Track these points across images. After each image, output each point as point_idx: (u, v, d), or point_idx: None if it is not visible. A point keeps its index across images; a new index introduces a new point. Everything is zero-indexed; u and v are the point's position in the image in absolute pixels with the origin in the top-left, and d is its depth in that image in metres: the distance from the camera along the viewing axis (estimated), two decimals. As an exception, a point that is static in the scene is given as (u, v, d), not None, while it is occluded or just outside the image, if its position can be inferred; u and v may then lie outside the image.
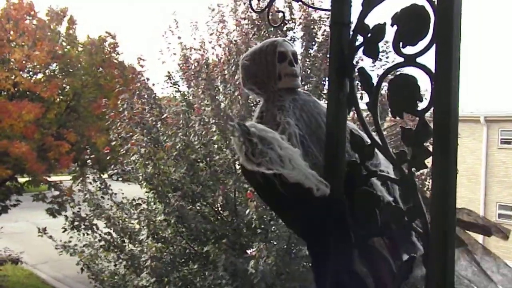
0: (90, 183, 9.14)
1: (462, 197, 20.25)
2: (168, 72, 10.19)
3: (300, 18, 9.04)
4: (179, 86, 10.25)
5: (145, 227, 7.92)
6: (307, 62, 8.80)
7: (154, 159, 7.93)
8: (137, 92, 9.26)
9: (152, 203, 8.30)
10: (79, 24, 16.55)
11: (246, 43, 8.16)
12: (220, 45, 9.36)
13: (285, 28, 9.07)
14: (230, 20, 9.54)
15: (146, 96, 8.98)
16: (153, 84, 9.64)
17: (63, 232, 9.06)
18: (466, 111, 21.61)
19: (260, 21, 8.47)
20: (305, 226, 2.06)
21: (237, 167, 7.15)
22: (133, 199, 8.70)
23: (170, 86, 10.30)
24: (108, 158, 9.75)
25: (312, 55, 8.89)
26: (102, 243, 8.58)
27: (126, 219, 8.59)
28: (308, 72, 8.65)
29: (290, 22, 9.16)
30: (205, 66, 8.89)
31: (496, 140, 21.20)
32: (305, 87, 8.32)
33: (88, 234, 8.86)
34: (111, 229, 8.46)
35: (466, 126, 20.70)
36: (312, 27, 8.84)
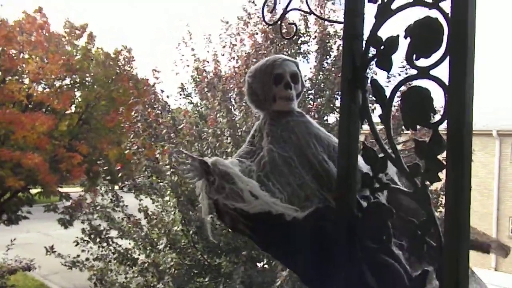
0: (102, 194, 9.15)
1: (475, 211, 20.00)
2: (182, 84, 10.23)
3: (315, 32, 9.04)
4: (192, 97, 10.30)
5: (163, 237, 7.90)
6: (321, 76, 8.80)
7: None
8: (150, 103, 9.31)
9: (170, 213, 8.25)
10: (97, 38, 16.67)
11: (260, 56, 8.19)
12: (234, 58, 9.39)
13: (299, 42, 9.07)
14: (244, 33, 9.57)
15: (160, 108, 9.03)
16: (167, 96, 9.70)
17: (76, 246, 9.02)
18: (478, 125, 21.44)
19: (274, 34, 8.49)
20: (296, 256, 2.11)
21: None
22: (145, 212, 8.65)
23: (182, 98, 10.34)
24: (119, 175, 9.76)
25: (326, 68, 8.89)
26: (116, 255, 8.53)
27: (145, 229, 8.56)
28: (322, 86, 8.66)
29: (305, 35, 9.16)
30: (221, 78, 8.92)
31: (508, 154, 21.02)
32: (318, 100, 8.33)
33: (103, 247, 8.80)
34: (128, 240, 8.45)
35: (479, 140, 20.54)
36: (327, 41, 8.84)
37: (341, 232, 1.96)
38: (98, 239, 8.78)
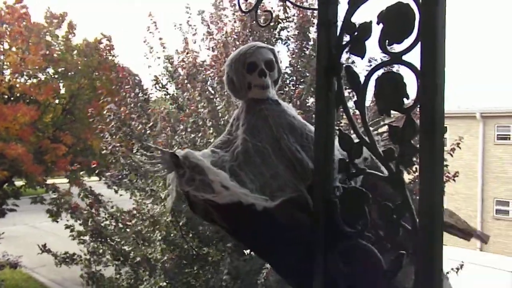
0: (81, 196, 8.96)
1: (459, 193, 20.27)
2: (155, 77, 10.15)
3: (293, 16, 9.00)
4: (167, 89, 10.21)
5: (156, 230, 7.87)
6: (302, 61, 8.78)
7: None
8: (126, 98, 9.22)
9: (159, 206, 8.19)
10: (78, 27, 16.46)
11: (239, 44, 8.13)
12: (211, 47, 9.31)
13: (279, 28, 9.04)
14: (220, 22, 9.49)
15: (132, 104, 8.96)
16: (141, 90, 9.63)
17: (73, 239, 8.85)
18: (462, 107, 21.61)
19: (252, 22, 8.43)
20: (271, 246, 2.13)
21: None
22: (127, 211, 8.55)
23: (158, 90, 10.26)
24: (96, 172, 9.65)
25: (306, 54, 8.87)
26: (109, 250, 8.37)
27: (121, 228, 8.44)
28: (303, 71, 8.65)
29: (284, 21, 9.12)
30: (198, 68, 8.83)
31: (492, 136, 21.22)
32: (300, 86, 8.31)
33: (100, 244, 8.59)
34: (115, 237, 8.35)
35: (463, 122, 20.72)
36: (306, 26, 8.81)
37: (318, 219, 1.98)
38: (100, 238, 8.58)
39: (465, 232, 2.36)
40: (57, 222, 9.76)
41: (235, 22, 8.98)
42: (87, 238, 8.65)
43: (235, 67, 2.35)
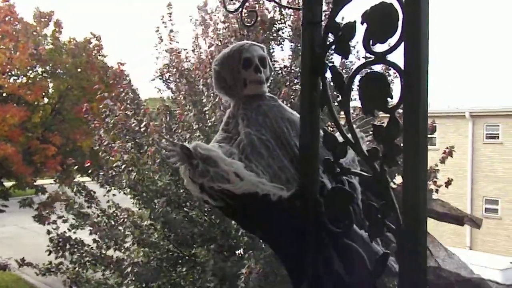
0: (74, 190, 8.94)
1: (449, 192, 20.20)
2: (159, 71, 10.10)
3: (289, 16, 8.95)
4: (160, 89, 10.19)
5: (130, 234, 7.83)
6: (297, 62, 8.74)
7: (138, 165, 7.86)
8: (121, 95, 9.18)
9: (137, 209, 8.20)
10: (66, 27, 16.37)
11: (226, 46, 8.09)
12: (197, 48, 9.26)
13: (274, 29, 8.99)
14: (208, 24, 9.43)
15: (128, 101, 8.91)
16: (136, 88, 9.59)
17: (48, 255, 8.75)
18: (451, 107, 21.73)
19: (238, 24, 8.38)
20: (275, 235, 2.14)
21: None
22: (118, 207, 8.52)
23: (154, 87, 10.24)
24: (90, 171, 9.59)
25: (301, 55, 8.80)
26: (88, 258, 8.28)
27: (113, 225, 8.41)
28: (298, 72, 8.61)
29: (278, 22, 9.09)
30: (186, 72, 8.76)
31: (481, 135, 21.36)
32: (297, 86, 8.27)
33: (74, 254, 8.48)
34: (96, 236, 8.30)
35: (452, 121, 20.84)
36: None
37: (306, 217, 1.99)
38: (67, 246, 8.53)
39: (458, 219, 2.38)
40: (45, 224, 9.68)
41: (224, 23, 8.92)
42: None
43: (228, 64, 2.32)
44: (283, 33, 9.20)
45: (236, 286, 6.57)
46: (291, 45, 8.94)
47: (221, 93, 2.46)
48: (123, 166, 7.86)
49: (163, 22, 9.77)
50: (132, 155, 7.88)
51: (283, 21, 9.13)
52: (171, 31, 9.71)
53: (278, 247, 2.30)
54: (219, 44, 8.38)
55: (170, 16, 9.68)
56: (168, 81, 10.01)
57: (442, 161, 8.43)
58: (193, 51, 9.39)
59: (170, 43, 9.65)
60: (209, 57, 8.25)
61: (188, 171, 2.06)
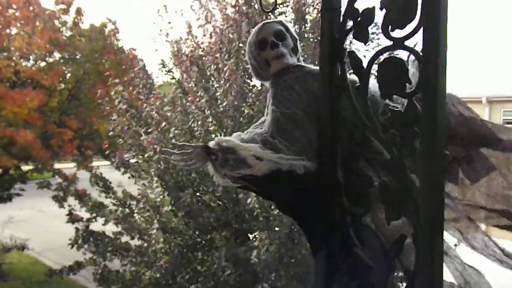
0: (92, 181, 9.02)
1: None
2: (162, 60, 10.14)
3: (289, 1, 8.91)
4: (173, 73, 10.20)
5: (150, 220, 7.89)
6: (302, 44, 8.68)
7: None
8: (134, 80, 9.21)
9: (161, 196, 8.20)
10: (86, 14, 16.36)
11: (237, 31, 8.06)
12: (209, 34, 9.24)
13: (277, 13, 8.94)
14: (215, 8, 9.37)
15: (141, 86, 8.94)
16: (151, 73, 9.61)
17: (71, 248, 8.77)
18: (468, 92, 21.51)
19: (249, 8, 8.30)
20: (301, 210, 2.15)
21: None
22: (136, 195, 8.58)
23: (165, 74, 10.26)
24: (107, 153, 9.67)
25: (305, 38, 8.74)
26: (110, 248, 8.35)
27: (128, 213, 8.48)
28: (303, 54, 8.55)
29: (281, 6, 9.05)
30: (197, 58, 8.73)
31: (498, 121, 21.12)
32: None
33: (97, 245, 8.53)
34: (119, 227, 8.40)
35: (468, 107, 20.61)
36: (303, 8, 8.64)
37: (324, 198, 2.02)
38: (91, 239, 8.54)
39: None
40: (64, 207, 9.76)
41: (226, 10, 8.84)
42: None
43: (250, 51, 2.37)
44: (286, 16, 9.14)
45: (251, 271, 6.64)
46: (295, 28, 8.84)
47: (260, 81, 2.52)
48: (155, 156, 7.83)
49: (166, 12, 9.85)
50: (161, 145, 7.87)
51: (285, 4, 9.09)
52: (169, 22, 9.78)
53: (310, 228, 2.28)
54: (228, 28, 8.34)
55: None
56: (171, 70, 10.05)
57: None
58: (204, 36, 9.36)
59: (166, 35, 9.72)
60: (219, 42, 8.22)
61: (212, 167, 2.11)
